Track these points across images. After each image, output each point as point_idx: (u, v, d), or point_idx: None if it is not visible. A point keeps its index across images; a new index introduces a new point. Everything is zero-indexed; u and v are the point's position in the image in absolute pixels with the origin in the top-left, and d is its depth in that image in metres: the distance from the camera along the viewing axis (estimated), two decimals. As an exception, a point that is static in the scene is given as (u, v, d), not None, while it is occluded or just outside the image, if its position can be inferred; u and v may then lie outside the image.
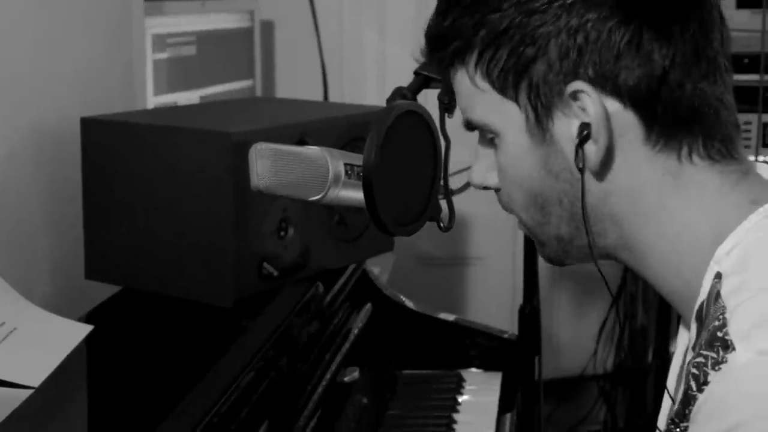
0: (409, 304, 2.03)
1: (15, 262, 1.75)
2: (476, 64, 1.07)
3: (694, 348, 1.02)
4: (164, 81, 2.38)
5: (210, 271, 1.65)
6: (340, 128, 1.82)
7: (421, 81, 1.48)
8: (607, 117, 1.02)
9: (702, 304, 1.01)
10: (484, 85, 1.08)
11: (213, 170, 1.63)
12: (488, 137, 1.12)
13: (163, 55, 2.38)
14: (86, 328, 1.57)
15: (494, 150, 1.12)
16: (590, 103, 1.02)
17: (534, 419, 1.79)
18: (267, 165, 1.26)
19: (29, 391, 1.36)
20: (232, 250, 1.63)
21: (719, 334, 0.94)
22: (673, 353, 1.18)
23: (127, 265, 1.74)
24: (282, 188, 1.28)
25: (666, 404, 1.18)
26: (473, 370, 1.99)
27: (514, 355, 1.95)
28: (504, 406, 1.85)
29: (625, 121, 1.03)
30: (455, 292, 3.14)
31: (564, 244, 1.11)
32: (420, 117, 1.24)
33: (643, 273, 1.10)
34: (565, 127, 1.05)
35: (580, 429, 3.22)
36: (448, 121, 1.32)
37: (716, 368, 0.93)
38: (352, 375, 1.68)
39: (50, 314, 1.58)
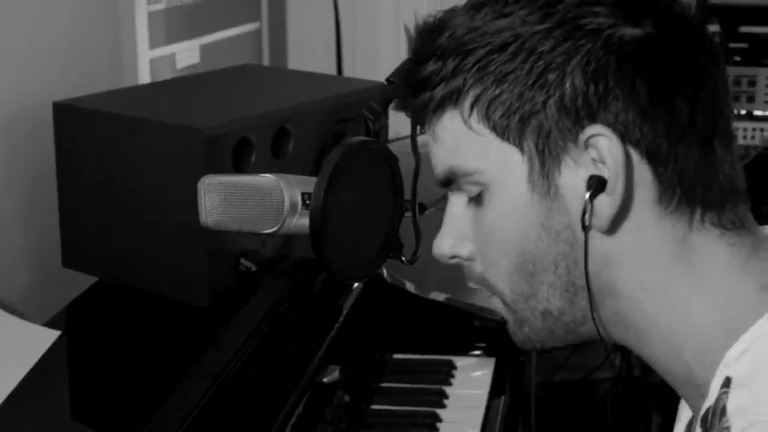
0: (409, 286, 1.96)
1: (-10, 250, 1.71)
2: (473, 105, 0.96)
3: None
4: (162, 32, 2.30)
5: (183, 270, 1.60)
6: (325, 111, 1.74)
7: (394, 89, 1.40)
8: (627, 164, 0.93)
9: (708, 410, 0.93)
10: (481, 128, 0.96)
11: (185, 164, 1.56)
12: (473, 193, 0.99)
13: (159, 6, 2.29)
14: (53, 334, 1.53)
15: (476, 210, 1.00)
16: (608, 149, 0.92)
17: (523, 422, 1.73)
18: (216, 200, 1.20)
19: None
20: (205, 248, 1.57)
21: None
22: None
23: (104, 257, 1.69)
24: (233, 223, 1.22)
25: None
26: (467, 355, 1.93)
27: (507, 342, 1.88)
28: (493, 399, 1.80)
29: (640, 174, 0.94)
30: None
31: (550, 322, 1.00)
32: (375, 152, 1.16)
33: (638, 351, 1.00)
34: (572, 178, 0.94)
35: (595, 376, 3.17)
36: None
37: None
38: (332, 375, 1.63)
39: (17, 320, 1.55)
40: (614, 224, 0.94)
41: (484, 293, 1.06)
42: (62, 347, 1.54)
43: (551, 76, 0.92)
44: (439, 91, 0.98)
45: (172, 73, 2.32)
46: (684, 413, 1.08)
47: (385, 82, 1.41)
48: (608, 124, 0.92)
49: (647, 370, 2.95)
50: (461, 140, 0.98)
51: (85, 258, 1.71)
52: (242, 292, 1.64)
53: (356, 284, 1.89)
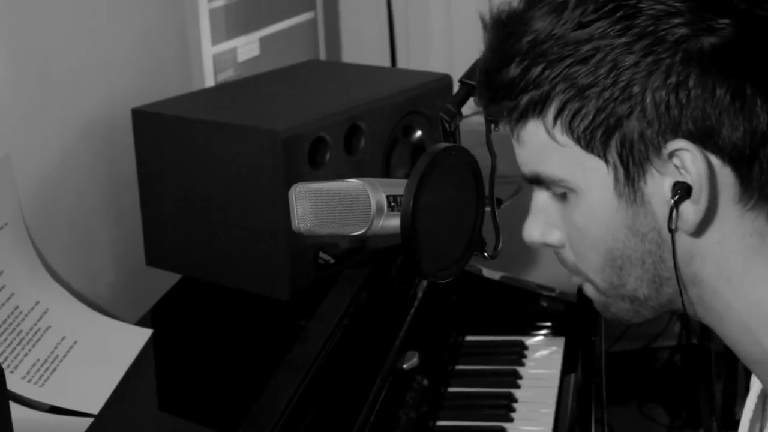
0: (487, 273, 2.01)
1: (78, 251, 1.78)
2: (556, 117, 1.00)
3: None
4: (223, 27, 2.36)
5: (266, 265, 1.66)
6: (394, 105, 1.80)
7: (467, 90, 1.45)
8: (711, 176, 0.97)
9: None
10: (565, 139, 1.00)
11: (263, 165, 1.62)
12: (559, 192, 1.05)
13: (220, 3, 2.35)
14: (146, 333, 1.60)
15: (562, 205, 1.05)
16: (692, 162, 0.96)
17: (595, 396, 1.78)
18: (307, 207, 1.25)
19: (90, 420, 1.40)
20: (286, 244, 1.63)
21: None
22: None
23: (186, 255, 1.76)
24: (324, 227, 1.27)
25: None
26: (537, 335, 1.98)
27: (576, 321, 1.94)
28: (565, 379, 1.85)
29: (723, 178, 0.98)
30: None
31: (638, 305, 1.06)
32: (457, 157, 1.21)
33: (718, 332, 1.06)
34: (658, 186, 0.99)
35: (655, 344, 3.21)
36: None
37: None
38: (411, 362, 1.69)
39: (111, 321, 1.61)
40: (700, 227, 0.99)
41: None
42: (154, 345, 1.61)
43: (635, 90, 0.96)
44: (522, 100, 1.01)
45: (234, 67, 2.38)
46: (756, 384, 1.14)
47: (459, 83, 1.46)
48: (690, 135, 0.96)
49: (706, 337, 2.98)
50: (546, 149, 1.02)
51: (167, 256, 1.78)
52: (322, 285, 1.70)
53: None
